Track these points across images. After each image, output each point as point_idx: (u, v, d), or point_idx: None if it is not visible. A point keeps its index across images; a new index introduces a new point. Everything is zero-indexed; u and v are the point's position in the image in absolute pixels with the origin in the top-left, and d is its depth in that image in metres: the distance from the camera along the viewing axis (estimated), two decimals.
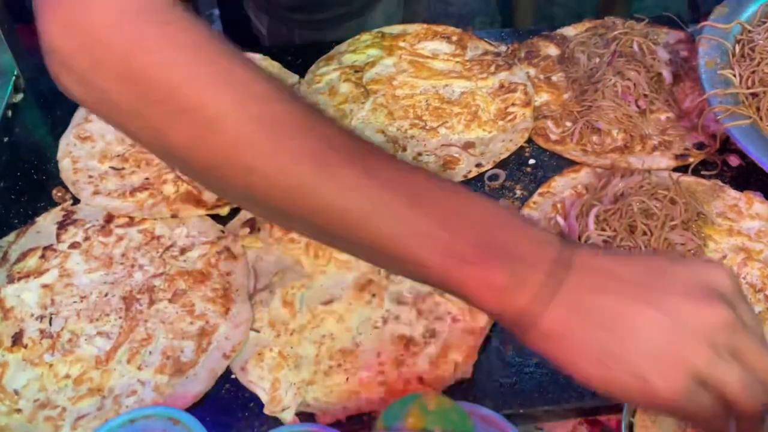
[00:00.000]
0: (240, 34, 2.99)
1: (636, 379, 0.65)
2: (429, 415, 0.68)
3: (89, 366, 1.03)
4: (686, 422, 0.83)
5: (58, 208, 1.25)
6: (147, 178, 1.28)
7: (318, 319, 1.08)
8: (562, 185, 1.26)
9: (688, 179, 1.25)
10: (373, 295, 1.09)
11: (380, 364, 1.02)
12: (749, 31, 1.31)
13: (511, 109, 1.39)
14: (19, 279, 1.14)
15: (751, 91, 1.24)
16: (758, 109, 1.23)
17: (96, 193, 1.27)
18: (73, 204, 1.26)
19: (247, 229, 1.20)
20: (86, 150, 1.35)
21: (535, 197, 1.25)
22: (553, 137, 1.35)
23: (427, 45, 1.53)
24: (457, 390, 1.00)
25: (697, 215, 1.15)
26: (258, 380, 1.02)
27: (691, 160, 1.29)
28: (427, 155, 1.32)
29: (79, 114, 1.43)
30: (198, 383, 1.01)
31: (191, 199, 1.24)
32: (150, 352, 1.05)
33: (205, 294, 1.11)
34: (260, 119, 0.69)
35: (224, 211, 1.23)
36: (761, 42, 1.28)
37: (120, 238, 1.19)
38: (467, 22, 1.99)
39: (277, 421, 0.98)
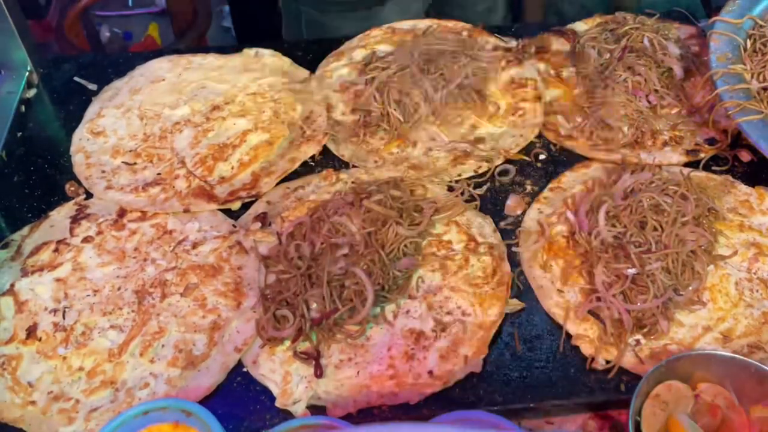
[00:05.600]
0: (250, 30, 3.00)
1: None
2: None
3: (102, 359, 1.05)
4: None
5: (72, 202, 1.27)
6: (159, 174, 1.29)
7: None
8: (573, 180, 1.26)
9: (699, 174, 1.25)
10: None
11: (390, 358, 1.03)
12: (761, 26, 1.31)
13: (521, 105, 1.39)
14: (33, 272, 1.15)
15: (762, 85, 1.24)
16: None
17: (109, 187, 1.28)
18: (86, 198, 1.27)
19: (259, 224, 1.20)
20: (99, 145, 1.36)
21: (546, 192, 1.25)
22: (563, 132, 1.35)
23: None
24: (468, 384, 1.01)
25: (708, 211, 1.15)
26: (269, 373, 1.03)
27: (702, 155, 1.29)
28: (437, 150, 1.32)
29: (92, 109, 1.44)
30: (210, 376, 1.02)
31: (203, 194, 1.25)
32: (162, 346, 1.06)
33: (216, 288, 1.12)
34: None
35: (236, 206, 1.24)
36: None
37: (132, 233, 1.20)
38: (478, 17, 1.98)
39: (288, 414, 0.98)
